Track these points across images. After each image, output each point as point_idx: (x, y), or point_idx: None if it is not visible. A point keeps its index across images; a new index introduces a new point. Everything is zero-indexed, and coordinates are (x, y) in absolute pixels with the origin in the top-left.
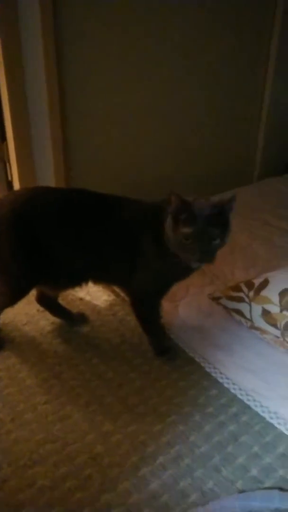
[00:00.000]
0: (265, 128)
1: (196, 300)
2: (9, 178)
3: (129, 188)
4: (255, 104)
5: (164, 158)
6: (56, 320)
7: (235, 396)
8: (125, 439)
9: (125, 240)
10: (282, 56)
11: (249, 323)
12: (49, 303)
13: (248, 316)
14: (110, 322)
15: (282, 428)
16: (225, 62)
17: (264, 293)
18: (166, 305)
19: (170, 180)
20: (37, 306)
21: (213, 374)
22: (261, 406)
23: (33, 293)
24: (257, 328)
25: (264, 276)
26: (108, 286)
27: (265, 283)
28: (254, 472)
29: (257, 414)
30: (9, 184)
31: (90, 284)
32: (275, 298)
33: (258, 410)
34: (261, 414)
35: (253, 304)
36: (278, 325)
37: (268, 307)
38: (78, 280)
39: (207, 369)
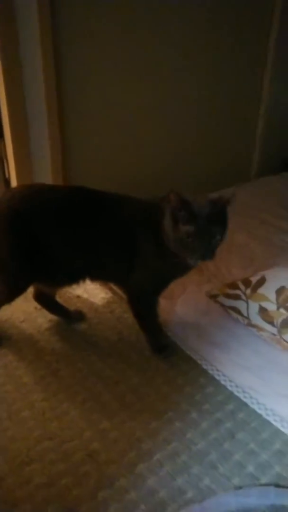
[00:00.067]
0: (263, 127)
1: (193, 298)
2: (7, 176)
3: (127, 186)
4: (254, 103)
5: (163, 156)
6: (54, 317)
7: (231, 393)
8: (122, 436)
9: (123, 238)
10: (281, 55)
11: (246, 321)
12: (46, 301)
13: (245, 313)
14: (108, 319)
15: (278, 425)
16: (225, 61)
17: (261, 290)
18: (163, 303)
19: (169, 178)
20: (35, 303)
21: (210, 372)
22: (258, 403)
23: (30, 291)
24: (254, 326)
25: (261, 274)
26: (106, 283)
27: (262, 281)
28: (250, 468)
29: (253, 411)
30: (6, 182)
31: (88, 282)
32: (272, 296)
33: (255, 407)
34: (258, 411)
35: (250, 301)
36: (275, 323)
37: (265, 304)
38: (75, 278)
39: (204, 367)
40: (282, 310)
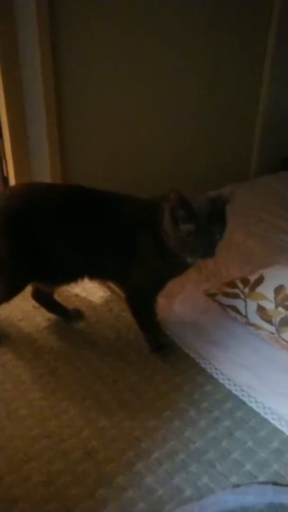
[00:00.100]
0: (262, 127)
1: (191, 297)
2: (5, 175)
3: (126, 185)
4: (253, 103)
5: (162, 156)
6: (52, 316)
7: (230, 391)
8: (120, 435)
9: (122, 237)
10: (280, 55)
11: (244, 320)
12: (44, 299)
13: (243, 312)
14: (106, 318)
15: (276, 423)
16: (224, 61)
17: (259, 289)
18: (161, 301)
19: (168, 178)
20: (33, 302)
21: (208, 370)
22: (256, 401)
23: (28, 289)
24: (252, 324)
25: (260, 272)
26: (104, 282)
27: (260, 280)
28: (248, 467)
29: (251, 409)
30: (5, 181)
31: (86, 280)
32: (270, 295)
33: (253, 405)
34: (256, 409)
35: (248, 300)
36: (273, 321)
37: (263, 303)
38: (74, 277)
39: (202, 365)
40: (280, 309)
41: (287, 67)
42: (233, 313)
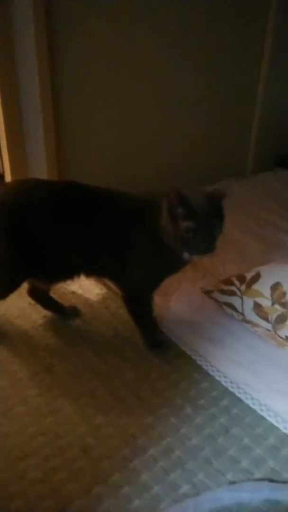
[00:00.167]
0: (259, 125)
1: (188, 294)
2: (1, 171)
3: (123, 181)
4: (249, 102)
5: (158, 154)
6: (48, 313)
7: (226, 388)
8: (116, 432)
9: (119, 234)
10: (276, 55)
11: (240, 317)
12: (41, 297)
13: (239, 309)
14: (102, 315)
15: (272, 420)
16: (222, 61)
17: (255, 286)
18: (158, 299)
19: (164, 175)
20: (29, 299)
21: (205, 367)
22: (252, 398)
23: (24, 286)
24: (248, 322)
25: (256, 270)
26: (100, 279)
27: (256, 277)
28: (244, 463)
29: (248, 406)
30: (1, 177)
31: (82, 278)
32: (267, 292)
33: (249, 402)
34: (252, 406)
35: (244, 297)
36: (270, 319)
37: (260, 300)
38: (70, 274)
39: (199, 362)
40: (276, 306)
41: (283, 67)
42: (229, 311)
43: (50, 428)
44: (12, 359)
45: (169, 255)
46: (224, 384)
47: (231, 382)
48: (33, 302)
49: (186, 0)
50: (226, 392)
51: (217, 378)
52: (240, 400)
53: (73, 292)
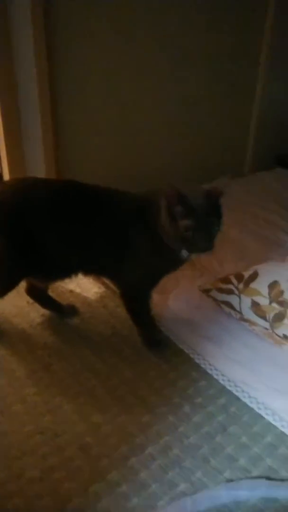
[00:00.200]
0: (257, 124)
1: (186, 292)
2: None
3: (122, 180)
4: (248, 102)
5: (157, 153)
6: (46, 312)
7: (223, 387)
8: (114, 430)
9: (117, 233)
10: (274, 55)
11: (238, 315)
12: (39, 295)
13: (237, 308)
14: (100, 314)
15: (269, 418)
16: (221, 60)
17: (253, 285)
18: (156, 297)
19: (162, 174)
20: (27, 298)
21: (202, 366)
22: (249, 397)
23: (22, 285)
24: (246, 320)
25: (254, 268)
26: (99, 278)
27: (254, 276)
28: (242, 461)
29: (245, 404)
30: None
31: (80, 276)
32: (265, 290)
33: (247, 401)
34: (249, 404)
35: (242, 296)
36: (267, 317)
37: (258, 299)
38: (68, 272)
39: (196, 361)
40: (274, 305)
41: (281, 67)
42: (227, 309)
43: (48, 427)
44: (10, 358)
45: (168, 253)
46: (221, 382)
47: (229, 381)
48: (31, 300)
49: (186, 0)
50: (223, 391)
51: (215, 376)
52: (237, 398)
53: (71, 291)
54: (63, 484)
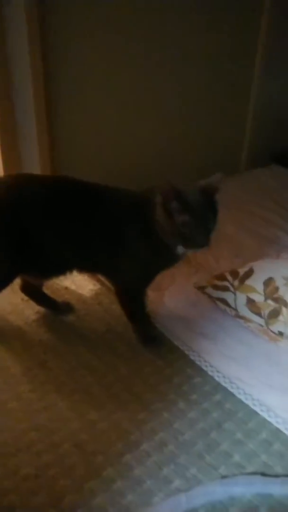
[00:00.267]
0: (252, 122)
1: (181, 289)
2: None
3: (117, 177)
4: (244, 100)
5: (153, 150)
6: (41, 309)
7: (219, 383)
8: (109, 427)
9: (111, 230)
10: (270, 53)
11: (233, 312)
12: (33, 292)
13: (232, 305)
14: (96, 311)
15: (264, 414)
16: (220, 59)
17: (248, 282)
18: (151, 294)
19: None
20: (22, 295)
21: (197, 362)
22: (245, 393)
23: (17, 282)
24: (241, 317)
25: (249, 265)
26: (94, 275)
27: (250, 273)
28: (237, 458)
29: (240, 401)
30: None
31: (75, 273)
32: (260, 287)
33: (242, 397)
34: (245, 401)
35: (237, 293)
36: (262, 314)
37: (253, 296)
38: (63, 269)
39: (192, 357)
40: (269, 302)
41: (277, 66)
42: (222, 306)
43: (43, 424)
44: (5, 355)
45: (163, 250)
46: (216, 379)
47: (224, 377)
48: (26, 297)
49: (185, 1)
50: (218, 387)
51: (210, 373)
52: (232, 395)
53: (66, 288)
54: (59, 480)
